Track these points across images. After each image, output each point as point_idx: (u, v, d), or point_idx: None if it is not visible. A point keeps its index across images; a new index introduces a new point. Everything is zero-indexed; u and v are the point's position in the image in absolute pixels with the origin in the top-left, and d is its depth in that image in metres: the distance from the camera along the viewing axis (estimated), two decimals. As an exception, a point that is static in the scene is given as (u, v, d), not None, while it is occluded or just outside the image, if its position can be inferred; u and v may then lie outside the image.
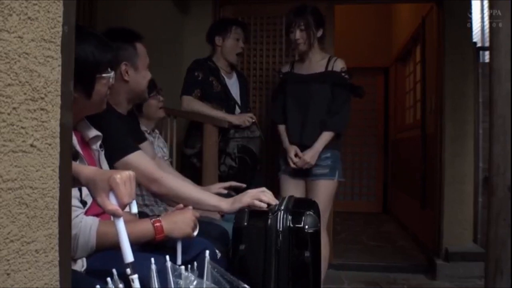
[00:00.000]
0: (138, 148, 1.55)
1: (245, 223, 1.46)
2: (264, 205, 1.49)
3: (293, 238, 1.45)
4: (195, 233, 1.35)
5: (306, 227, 1.44)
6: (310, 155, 2.43)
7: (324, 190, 2.47)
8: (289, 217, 1.46)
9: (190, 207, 1.39)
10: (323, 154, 2.46)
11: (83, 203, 1.20)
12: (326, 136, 2.46)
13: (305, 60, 2.57)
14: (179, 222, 1.29)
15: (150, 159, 1.60)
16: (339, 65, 2.51)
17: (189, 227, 1.31)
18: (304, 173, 2.51)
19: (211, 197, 1.54)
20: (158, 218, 1.27)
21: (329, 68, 2.50)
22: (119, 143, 1.53)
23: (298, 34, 2.45)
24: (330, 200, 2.52)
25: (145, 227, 1.25)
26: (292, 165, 2.47)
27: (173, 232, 1.28)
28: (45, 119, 0.72)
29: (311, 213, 1.48)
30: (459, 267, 3.12)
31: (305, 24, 2.44)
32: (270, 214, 1.47)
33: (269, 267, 1.44)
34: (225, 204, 1.50)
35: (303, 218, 1.46)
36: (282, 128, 2.59)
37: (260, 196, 1.49)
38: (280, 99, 2.63)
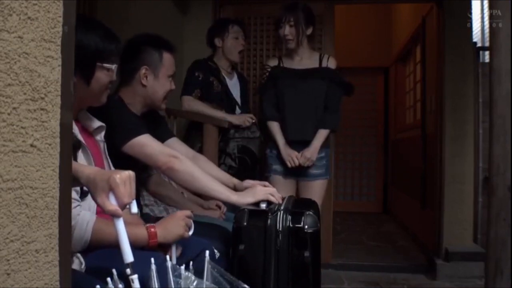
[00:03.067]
0: (147, 132, 1.57)
1: (245, 223, 1.46)
2: (279, 199, 1.56)
3: (292, 238, 1.45)
4: (191, 232, 1.35)
5: (306, 227, 1.44)
6: (311, 152, 2.43)
7: (320, 190, 2.49)
8: (289, 217, 1.46)
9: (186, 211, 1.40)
10: (318, 154, 2.46)
11: (85, 193, 1.21)
12: (324, 134, 2.46)
13: (293, 56, 2.54)
14: (169, 227, 1.31)
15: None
16: (333, 62, 2.52)
17: (181, 228, 1.32)
18: (297, 173, 2.49)
19: (223, 188, 1.58)
20: (152, 225, 1.29)
21: (323, 65, 2.50)
22: (130, 124, 1.57)
23: (288, 30, 2.44)
24: (323, 198, 2.54)
25: (139, 231, 1.27)
26: (291, 165, 2.45)
27: (166, 237, 1.29)
28: (45, 119, 0.72)
29: (311, 213, 1.48)
30: (459, 267, 3.12)
31: (295, 20, 2.42)
32: (269, 214, 1.47)
33: (269, 267, 1.44)
34: (236, 197, 1.55)
35: (303, 218, 1.46)
36: (275, 125, 2.51)
37: (272, 192, 1.57)
38: (271, 95, 2.53)
